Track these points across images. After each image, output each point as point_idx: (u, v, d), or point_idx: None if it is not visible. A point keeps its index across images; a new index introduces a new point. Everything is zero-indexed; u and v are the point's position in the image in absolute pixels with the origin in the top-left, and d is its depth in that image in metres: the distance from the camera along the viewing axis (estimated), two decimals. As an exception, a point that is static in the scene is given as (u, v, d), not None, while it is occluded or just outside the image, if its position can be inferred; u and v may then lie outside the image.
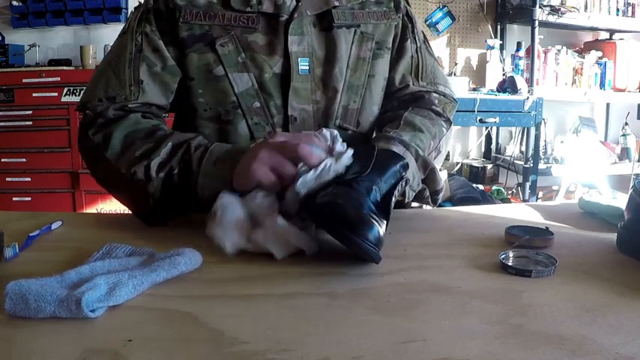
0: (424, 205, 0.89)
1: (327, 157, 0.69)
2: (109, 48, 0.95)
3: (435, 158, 0.91)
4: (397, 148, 0.81)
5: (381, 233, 0.62)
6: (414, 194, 0.82)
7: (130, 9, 2.96)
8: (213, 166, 0.75)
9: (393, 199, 0.70)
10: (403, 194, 0.78)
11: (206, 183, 0.75)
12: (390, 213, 0.68)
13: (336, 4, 0.93)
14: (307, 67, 0.90)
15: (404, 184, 0.74)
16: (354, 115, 0.95)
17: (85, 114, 0.86)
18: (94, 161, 0.85)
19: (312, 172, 0.67)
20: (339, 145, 0.72)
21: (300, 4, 0.90)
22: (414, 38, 1.02)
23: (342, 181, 0.66)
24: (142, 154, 0.78)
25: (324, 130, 0.74)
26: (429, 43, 1.06)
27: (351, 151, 0.71)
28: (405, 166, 0.74)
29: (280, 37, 0.89)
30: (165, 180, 0.77)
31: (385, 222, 0.66)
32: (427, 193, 0.84)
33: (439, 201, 0.87)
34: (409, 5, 1.05)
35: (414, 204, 0.87)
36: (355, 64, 0.94)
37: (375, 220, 0.62)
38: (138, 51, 0.87)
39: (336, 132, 0.74)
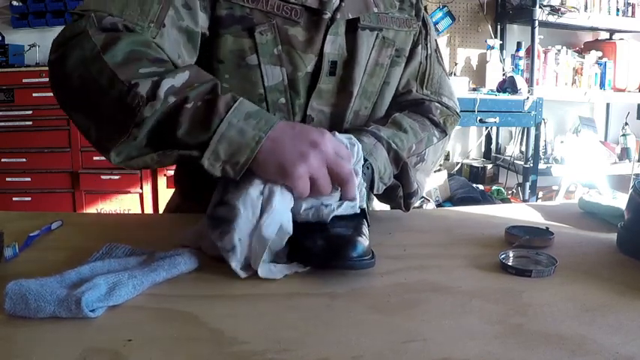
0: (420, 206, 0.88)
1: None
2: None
3: (415, 164, 0.88)
4: (368, 139, 0.78)
5: (365, 244, 0.62)
6: (384, 187, 0.79)
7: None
8: (244, 119, 0.63)
9: (363, 190, 0.70)
10: (372, 184, 0.76)
11: (228, 135, 0.61)
12: (364, 207, 0.69)
13: (375, 10, 0.90)
14: (334, 69, 0.87)
15: (366, 169, 0.73)
16: (363, 121, 0.92)
17: (88, 17, 0.69)
18: (79, 64, 0.67)
19: (341, 204, 0.66)
20: (360, 174, 0.70)
21: (343, 4, 0.86)
22: (426, 45, 1.00)
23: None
24: (149, 74, 0.64)
25: (355, 147, 0.71)
26: (440, 53, 1.04)
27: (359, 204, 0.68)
28: (359, 153, 0.73)
29: (320, 35, 0.84)
30: (173, 109, 0.62)
31: (364, 220, 0.67)
32: (400, 192, 0.82)
33: (412, 206, 0.85)
34: (427, 12, 1.03)
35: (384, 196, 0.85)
36: (372, 70, 0.91)
37: (354, 232, 0.63)
38: None
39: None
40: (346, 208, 0.66)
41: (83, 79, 0.66)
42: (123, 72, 0.63)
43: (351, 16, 0.86)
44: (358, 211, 0.67)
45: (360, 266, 0.60)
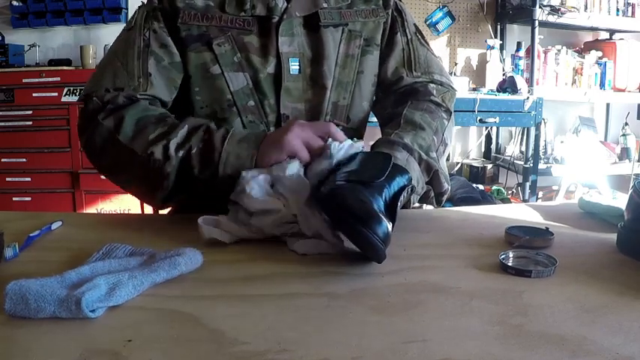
0: (424, 205, 0.89)
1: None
2: (110, 46, 0.96)
3: (443, 152, 0.91)
4: (401, 154, 0.80)
5: (389, 230, 0.62)
6: (418, 197, 0.83)
7: (130, 9, 2.96)
8: (237, 144, 0.78)
9: (399, 204, 0.70)
10: (408, 200, 0.79)
11: (229, 161, 0.77)
12: (395, 218, 0.68)
13: (325, 5, 0.95)
14: (297, 67, 0.93)
15: (409, 190, 0.74)
16: (344, 111, 0.97)
17: (92, 101, 0.86)
18: (103, 147, 0.84)
19: (341, 143, 0.74)
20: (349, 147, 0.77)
21: (289, 5, 0.92)
22: (405, 31, 1.03)
23: (358, 180, 0.66)
24: (157, 137, 0.80)
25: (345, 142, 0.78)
26: (421, 34, 1.06)
27: (361, 143, 0.77)
28: (410, 180, 0.74)
29: (273, 38, 0.92)
30: (183, 159, 0.78)
31: (391, 224, 0.66)
32: (432, 194, 0.85)
33: (444, 202, 0.88)
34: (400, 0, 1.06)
35: (416, 204, 0.88)
36: (344, 62, 0.96)
37: (384, 217, 0.62)
38: (146, 46, 0.89)
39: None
40: (346, 149, 0.74)
41: (113, 157, 0.84)
42: (138, 145, 0.80)
43: (298, 15, 0.93)
44: (359, 149, 0.75)
45: (374, 246, 0.59)
